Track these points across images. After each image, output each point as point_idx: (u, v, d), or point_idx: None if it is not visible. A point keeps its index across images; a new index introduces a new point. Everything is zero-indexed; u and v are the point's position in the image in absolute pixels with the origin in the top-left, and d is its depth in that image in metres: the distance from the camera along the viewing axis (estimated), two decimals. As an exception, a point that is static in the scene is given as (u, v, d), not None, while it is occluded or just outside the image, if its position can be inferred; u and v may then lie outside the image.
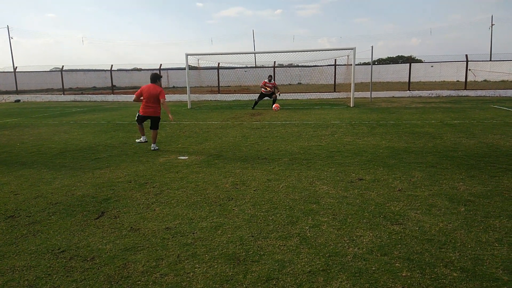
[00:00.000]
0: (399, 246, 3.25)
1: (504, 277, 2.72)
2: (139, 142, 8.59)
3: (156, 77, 7.89)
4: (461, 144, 7.47)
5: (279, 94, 16.77)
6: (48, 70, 41.36)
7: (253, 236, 3.51)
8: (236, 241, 3.42)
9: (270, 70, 25.15)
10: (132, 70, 45.95)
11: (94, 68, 40.29)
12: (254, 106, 16.85)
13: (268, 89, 16.35)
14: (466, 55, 21.88)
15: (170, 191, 4.93)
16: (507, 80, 35.19)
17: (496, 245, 3.22)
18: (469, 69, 23.38)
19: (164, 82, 40.84)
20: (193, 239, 3.47)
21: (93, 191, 5.01)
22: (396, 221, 3.78)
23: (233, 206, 4.32)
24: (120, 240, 3.51)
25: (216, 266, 2.97)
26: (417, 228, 3.60)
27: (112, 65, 26.26)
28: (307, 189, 4.89)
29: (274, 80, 16.92)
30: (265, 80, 16.56)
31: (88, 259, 3.17)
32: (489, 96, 20.77)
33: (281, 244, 3.33)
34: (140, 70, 44.15)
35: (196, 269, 2.93)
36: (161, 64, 25.35)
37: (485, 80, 36.48)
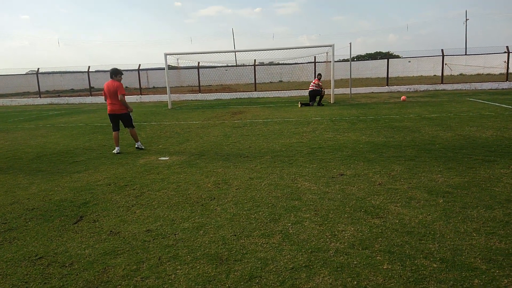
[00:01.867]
0: (380, 239, 3.29)
1: (482, 266, 2.78)
2: (115, 152, 7.56)
3: (113, 72, 7.58)
4: (439, 137, 7.62)
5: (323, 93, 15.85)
6: (24, 73, 40.28)
7: (235, 235, 3.49)
8: (218, 240, 3.40)
9: (251, 68, 25.15)
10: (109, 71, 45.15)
11: (71, 70, 39.48)
12: (320, 102, 15.65)
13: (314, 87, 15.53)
14: (442, 50, 22.35)
15: (150, 193, 4.86)
16: (482, 74, 36.17)
17: (474, 235, 3.29)
18: (446, 64, 23.91)
19: (144, 82, 40.38)
20: (175, 241, 3.43)
21: (71, 196, 4.90)
22: (376, 214, 3.82)
23: (215, 206, 4.29)
24: (100, 244, 3.44)
25: (198, 267, 2.94)
26: (397, 221, 3.65)
27: (89, 67, 25.76)
28: (289, 186, 4.90)
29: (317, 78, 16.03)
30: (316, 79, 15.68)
31: (67, 265, 3.08)
32: (465, 90, 21.30)
33: (263, 242, 3.32)
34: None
35: (178, 271, 2.89)
36: (139, 65, 25.00)
37: (461, 74, 37.41)
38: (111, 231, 3.71)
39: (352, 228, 3.53)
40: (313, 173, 5.42)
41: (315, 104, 15.71)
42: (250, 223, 3.75)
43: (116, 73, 7.58)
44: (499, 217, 3.62)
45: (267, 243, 3.31)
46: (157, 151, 7.54)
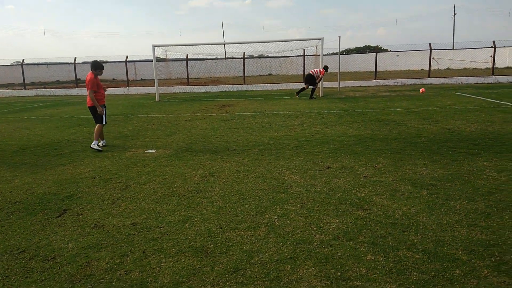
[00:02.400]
0: (364, 231, 3.32)
1: (463, 257, 2.82)
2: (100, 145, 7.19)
3: (92, 65, 7.06)
4: (425, 130, 7.71)
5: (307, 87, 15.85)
6: (9, 64, 39.38)
7: (221, 228, 3.48)
8: (204, 233, 3.39)
9: (240, 61, 25.03)
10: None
11: (57, 61, 38.71)
12: (312, 95, 15.53)
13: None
14: (430, 44, 22.55)
15: (136, 186, 4.82)
16: (468, 68, 36.64)
17: (456, 226, 3.35)
18: (433, 58, 24.13)
19: (132, 74, 39.87)
20: (160, 234, 3.41)
21: (55, 189, 4.82)
22: (361, 207, 3.86)
23: (201, 199, 4.28)
24: (83, 237, 3.40)
25: (183, 260, 2.93)
26: (382, 213, 3.68)
27: (75, 58, 25.29)
28: (276, 179, 4.90)
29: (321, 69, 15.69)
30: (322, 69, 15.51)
31: (49, 258, 3.04)
32: (452, 84, 21.56)
33: (249, 235, 3.33)
34: (105, 62, 42.77)
35: (162, 264, 2.88)
36: (127, 56, 24.66)
37: (448, 68, 37.86)
38: (95, 225, 3.67)
39: (337, 220, 3.55)
40: (300, 166, 5.43)
41: (301, 95, 15.73)
42: (236, 216, 3.75)
43: (95, 67, 7.05)
44: (481, 209, 3.68)
45: (252, 235, 3.31)
46: (144, 144, 7.47)
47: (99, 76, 7.16)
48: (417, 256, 2.85)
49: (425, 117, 9.53)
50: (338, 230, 3.34)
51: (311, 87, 15.55)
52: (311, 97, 15.45)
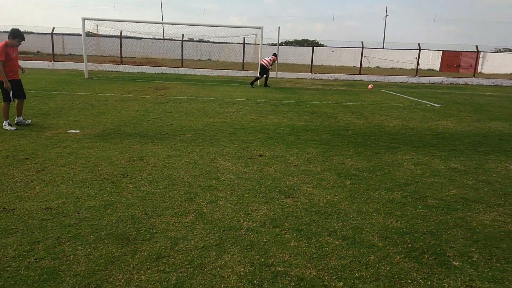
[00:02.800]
0: (290, 218, 3.40)
1: (379, 244, 3.01)
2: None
3: (10, 32, 6.35)
4: (352, 124, 8.12)
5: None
6: None
7: (146, 214, 3.35)
8: (127, 219, 3.23)
9: (179, 43, 24.26)
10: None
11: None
12: (266, 83, 16.21)
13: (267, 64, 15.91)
14: (362, 42, 23.74)
15: (54, 168, 4.46)
16: (395, 68, 39.29)
17: (374, 214, 3.56)
18: (364, 56, 25.47)
19: (59, 48, 36.79)
20: (78, 220, 3.18)
21: (-43, 168, 4.29)
22: (289, 194, 3.95)
23: (127, 183, 4.08)
24: (-12, 223, 3.06)
25: (101, 247, 2.76)
26: (308, 201, 3.80)
27: (-9, 24, 22.61)
28: (208, 165, 4.84)
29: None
30: (274, 57, 16.05)
31: None
32: (380, 81, 22.96)
33: (176, 221, 3.24)
34: (29, 33, 38.93)
35: (78, 251, 2.69)
36: (53, 28, 22.64)
37: (377, 67, 40.25)
38: (4, 208, 3.32)
39: (265, 208, 3.60)
40: (233, 153, 5.42)
41: (258, 84, 16.15)
42: (164, 202, 3.63)
43: (13, 35, 6.30)
44: (397, 199, 3.96)
45: (179, 222, 3.23)
46: (67, 124, 6.94)
47: (18, 48, 6.46)
48: (337, 242, 2.99)
49: (353, 111, 10.03)
50: (265, 217, 3.39)
51: (264, 75, 16.16)
52: (265, 85, 16.12)
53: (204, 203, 3.64)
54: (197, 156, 5.22)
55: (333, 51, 44.84)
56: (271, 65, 16.09)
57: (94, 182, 4.06)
